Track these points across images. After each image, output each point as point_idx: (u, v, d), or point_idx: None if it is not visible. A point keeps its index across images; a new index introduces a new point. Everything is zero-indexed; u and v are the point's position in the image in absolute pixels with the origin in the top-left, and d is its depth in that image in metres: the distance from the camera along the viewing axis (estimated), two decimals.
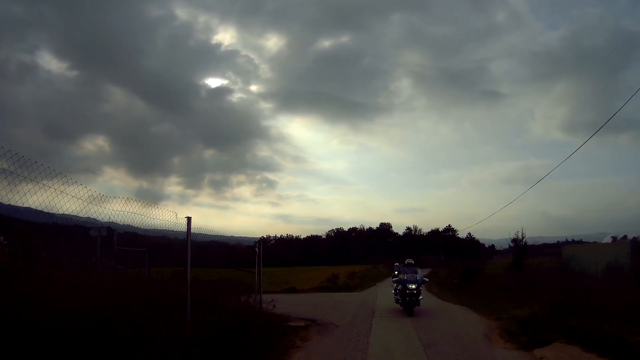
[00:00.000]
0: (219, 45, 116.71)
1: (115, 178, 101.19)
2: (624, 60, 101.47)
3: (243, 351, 6.35)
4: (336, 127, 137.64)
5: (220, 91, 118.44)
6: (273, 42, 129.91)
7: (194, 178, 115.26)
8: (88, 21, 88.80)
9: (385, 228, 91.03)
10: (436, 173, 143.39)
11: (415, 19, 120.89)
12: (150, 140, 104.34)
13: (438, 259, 57.40)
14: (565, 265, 16.44)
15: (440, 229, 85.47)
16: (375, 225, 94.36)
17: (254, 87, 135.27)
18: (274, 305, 9.53)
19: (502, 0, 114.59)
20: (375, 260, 59.10)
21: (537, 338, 7.27)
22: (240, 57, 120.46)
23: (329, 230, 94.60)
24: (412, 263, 13.30)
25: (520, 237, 19.02)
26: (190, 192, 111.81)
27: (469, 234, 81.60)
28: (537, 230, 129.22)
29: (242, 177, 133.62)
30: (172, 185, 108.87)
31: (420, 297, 11.75)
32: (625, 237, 20.17)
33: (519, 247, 18.92)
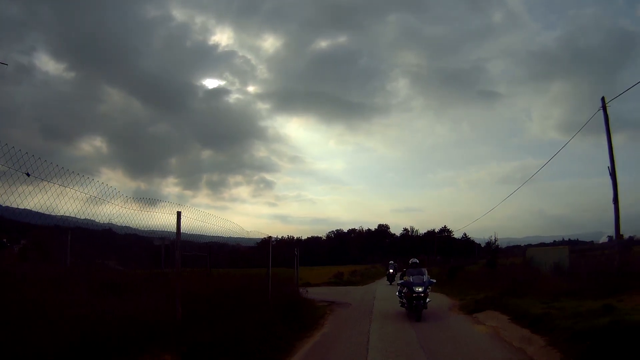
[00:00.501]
0: (216, 46, 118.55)
1: (113, 179, 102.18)
2: (620, 59, 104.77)
3: (299, 315, 10.59)
4: (333, 128, 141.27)
5: (218, 92, 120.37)
6: (270, 42, 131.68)
7: (191, 179, 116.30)
8: (85, 22, 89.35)
9: (383, 229, 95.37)
10: (433, 173, 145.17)
11: (412, 19, 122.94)
12: (147, 141, 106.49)
13: (434, 258, 61.14)
14: (527, 264, 20.71)
15: (436, 230, 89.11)
16: (373, 225, 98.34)
17: (251, 88, 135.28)
18: (306, 291, 13.78)
19: (499, 0, 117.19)
20: (373, 260, 63.29)
21: (478, 308, 11.59)
22: (238, 58, 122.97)
23: (329, 232, 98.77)
24: (416, 263, 12.28)
25: (493, 240, 23.31)
26: (188, 192, 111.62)
27: (465, 234, 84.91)
28: (534, 230, 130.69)
29: (239, 178, 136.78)
30: (170, 186, 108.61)
31: (428, 300, 11.05)
32: (621, 236, 23.75)
33: (492, 249, 23.22)
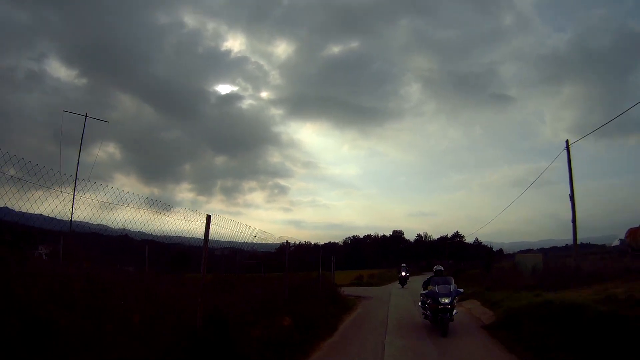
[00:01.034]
0: (228, 52, 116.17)
1: (126, 185, 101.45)
2: (631, 61, 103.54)
3: (340, 304, 15.63)
4: (346, 133, 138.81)
5: (231, 98, 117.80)
6: (282, 48, 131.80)
7: (205, 184, 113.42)
8: (96, 29, 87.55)
9: (397, 235, 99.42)
10: (446, 177, 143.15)
11: (423, 24, 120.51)
12: (160, 146, 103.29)
13: (446, 263, 65.09)
14: (514, 267, 25.37)
15: (448, 235, 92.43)
16: (387, 230, 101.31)
17: (264, 94, 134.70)
18: (342, 289, 18.83)
19: (509, 3, 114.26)
20: (388, 264, 67.58)
21: (464, 298, 16.43)
22: (250, 64, 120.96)
23: (346, 238, 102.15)
24: (441, 270, 11.20)
25: (489, 245, 27.89)
26: (202, 198, 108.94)
27: (477, 239, 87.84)
28: (549, 234, 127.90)
29: (253, 183, 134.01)
30: (184, 192, 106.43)
31: (455, 312, 10.00)
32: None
33: (488, 254, 27.88)
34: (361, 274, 35.97)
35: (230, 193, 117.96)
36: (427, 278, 11.48)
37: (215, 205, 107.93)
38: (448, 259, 66.48)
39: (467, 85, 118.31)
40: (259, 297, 10.11)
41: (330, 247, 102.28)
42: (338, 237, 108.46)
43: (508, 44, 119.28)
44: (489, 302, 14.22)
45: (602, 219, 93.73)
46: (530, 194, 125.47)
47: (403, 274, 29.10)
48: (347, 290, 20.89)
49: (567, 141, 20.27)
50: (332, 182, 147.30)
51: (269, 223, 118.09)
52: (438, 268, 11.31)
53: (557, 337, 7.96)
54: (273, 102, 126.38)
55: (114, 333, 5.02)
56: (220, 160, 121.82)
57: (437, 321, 9.79)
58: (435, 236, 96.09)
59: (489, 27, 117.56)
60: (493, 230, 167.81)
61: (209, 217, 5.86)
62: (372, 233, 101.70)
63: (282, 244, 16.90)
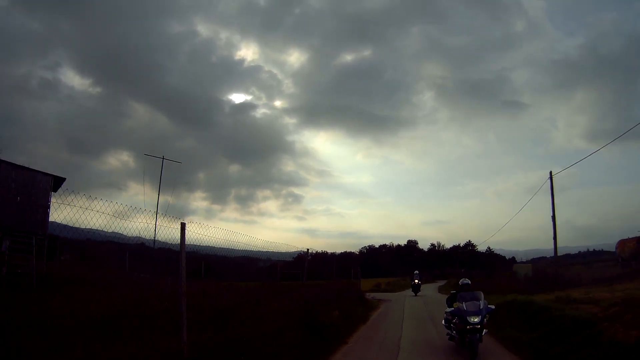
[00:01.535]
0: (242, 60, 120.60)
1: (140, 193, 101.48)
2: None
3: (367, 304, 20.29)
4: (360, 141, 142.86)
5: (244, 106, 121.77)
6: (295, 57, 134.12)
7: (219, 193, 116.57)
8: (110, 38, 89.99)
9: (412, 244, 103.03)
10: (460, 185, 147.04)
11: (435, 31, 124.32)
12: (174, 155, 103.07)
13: (459, 271, 68.59)
14: (513, 275, 29.63)
15: (461, 244, 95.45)
16: (401, 238, 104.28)
17: (277, 102, 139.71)
18: (367, 294, 23.50)
19: (519, 9, 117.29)
20: (403, 273, 71.26)
21: None
22: (264, 73, 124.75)
23: (362, 247, 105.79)
24: (468, 284, 9.70)
25: (501, 254, 32.07)
26: (216, 207, 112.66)
27: (488, 247, 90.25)
28: (562, 241, 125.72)
29: (267, 192, 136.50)
30: (198, 200, 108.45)
31: (485, 331, 8.68)
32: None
33: (492, 263, 32.13)
34: (379, 281, 40.45)
35: (244, 202, 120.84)
36: (451, 293, 10.20)
37: (230, 214, 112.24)
38: (460, 268, 69.94)
39: (479, 92, 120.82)
40: (318, 296, 14.90)
41: (346, 256, 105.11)
42: (352, 245, 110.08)
43: (519, 50, 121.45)
44: None
45: (615, 225, 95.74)
46: (542, 201, 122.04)
47: (416, 281, 29.16)
48: (369, 295, 25.50)
49: (550, 172, 24.76)
50: (346, 190, 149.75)
51: (283, 231, 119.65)
52: (464, 282, 9.79)
53: (513, 320, 12.54)
54: (287, 111, 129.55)
55: (266, 315, 9.91)
56: (234, 168, 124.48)
57: (465, 343, 8.45)
58: (449, 244, 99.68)
59: (500, 33, 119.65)
60: (508, 238, 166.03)
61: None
62: (387, 242, 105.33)
63: (300, 252, 19.74)
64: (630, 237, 32.79)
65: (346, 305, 16.49)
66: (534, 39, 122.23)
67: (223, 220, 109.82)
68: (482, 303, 8.76)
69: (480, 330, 8.45)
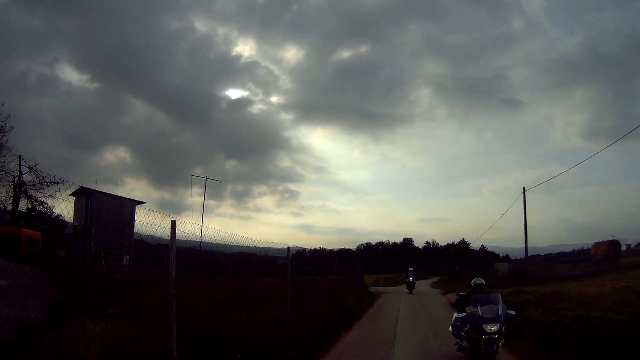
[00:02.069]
0: (239, 57, 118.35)
1: (137, 189, 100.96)
2: None
3: (371, 295, 25.14)
4: (357, 138, 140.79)
5: (241, 102, 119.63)
6: (292, 53, 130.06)
7: (215, 189, 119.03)
8: (108, 34, 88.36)
9: (407, 242, 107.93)
10: (457, 182, 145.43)
11: (433, 29, 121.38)
12: (171, 151, 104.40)
13: (453, 268, 72.36)
14: (495, 273, 34.61)
15: (454, 242, 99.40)
16: (397, 235, 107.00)
17: (274, 98, 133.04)
18: (370, 288, 28.41)
19: (518, 7, 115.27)
20: (399, 269, 75.74)
21: (449, 291, 25.86)
22: (261, 69, 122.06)
23: (359, 244, 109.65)
24: (482, 284, 8.20)
25: (494, 252, 37.16)
26: (212, 202, 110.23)
27: (482, 245, 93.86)
28: (559, 239, 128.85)
29: (263, 188, 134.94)
30: (194, 196, 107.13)
31: (502, 342, 7.36)
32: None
33: (475, 261, 37.14)
34: (378, 277, 45.49)
35: (240, 197, 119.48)
36: (462, 295, 8.84)
37: (226, 209, 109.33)
38: (454, 265, 73.96)
39: (477, 90, 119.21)
40: (339, 288, 19.76)
41: (344, 253, 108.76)
42: (348, 241, 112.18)
43: (518, 48, 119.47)
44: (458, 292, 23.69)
45: (612, 224, 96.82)
46: (539, 199, 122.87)
47: (410, 278, 28.88)
48: (371, 288, 30.37)
49: (523, 188, 29.62)
50: (342, 187, 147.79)
51: (279, 227, 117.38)
52: (478, 282, 8.32)
53: None
54: (283, 107, 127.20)
55: (309, 300, 14.72)
56: (230, 164, 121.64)
57: (479, 356, 7.18)
58: (446, 242, 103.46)
59: (499, 32, 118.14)
60: (504, 236, 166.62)
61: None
62: (383, 239, 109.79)
63: (299, 249, 23.16)
64: (603, 240, 36.92)
65: (356, 295, 21.37)
66: (532, 37, 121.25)
67: (219, 215, 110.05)
68: (500, 308, 7.35)
69: (498, 340, 7.15)
